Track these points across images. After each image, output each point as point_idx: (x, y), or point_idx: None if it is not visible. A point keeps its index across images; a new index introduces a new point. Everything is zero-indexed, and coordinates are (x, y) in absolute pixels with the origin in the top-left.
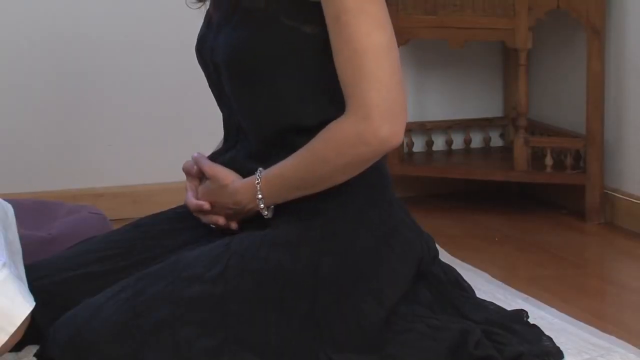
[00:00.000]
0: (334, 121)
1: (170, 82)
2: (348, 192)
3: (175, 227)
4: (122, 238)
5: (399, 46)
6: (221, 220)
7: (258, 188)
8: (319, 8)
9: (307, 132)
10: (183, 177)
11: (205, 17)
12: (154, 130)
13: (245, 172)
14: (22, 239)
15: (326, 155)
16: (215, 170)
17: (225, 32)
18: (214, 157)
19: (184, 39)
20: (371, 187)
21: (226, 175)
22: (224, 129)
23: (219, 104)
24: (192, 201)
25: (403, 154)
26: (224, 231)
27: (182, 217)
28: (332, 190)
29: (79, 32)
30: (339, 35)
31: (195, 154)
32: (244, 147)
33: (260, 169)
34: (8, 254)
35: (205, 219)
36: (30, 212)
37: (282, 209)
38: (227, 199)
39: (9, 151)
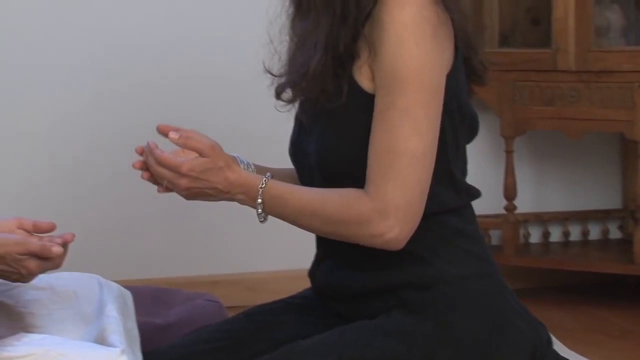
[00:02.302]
0: (358, 192)
1: None
2: (458, 283)
3: (286, 318)
4: (234, 328)
5: (516, 136)
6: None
7: (260, 193)
8: None
9: None
10: (298, 264)
11: (295, 121)
12: (269, 219)
13: (338, 283)
14: (140, 325)
15: (332, 215)
16: (213, 146)
17: (314, 135)
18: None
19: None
20: (480, 276)
21: (221, 155)
22: (316, 238)
23: None
24: (167, 156)
25: (519, 245)
26: (329, 324)
27: (294, 307)
28: (442, 280)
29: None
30: (381, 126)
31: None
32: (337, 253)
33: (269, 174)
34: (127, 342)
35: (160, 178)
36: (148, 299)
37: (390, 297)
38: (216, 179)
39: (128, 239)
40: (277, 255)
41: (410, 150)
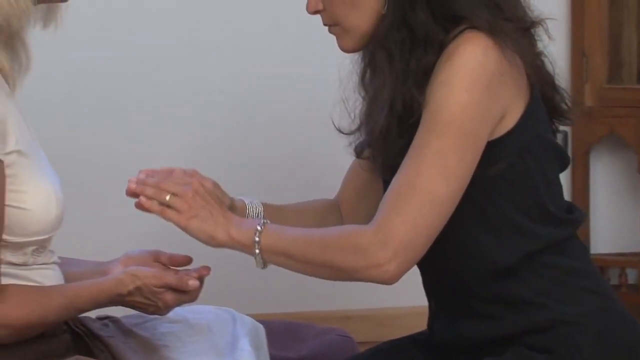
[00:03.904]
0: (361, 225)
1: None
2: (578, 321)
3: (414, 354)
4: None
5: None
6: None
7: (257, 233)
8: (498, 144)
9: (510, 272)
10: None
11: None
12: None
13: (457, 337)
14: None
15: (329, 243)
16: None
17: None
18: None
19: None
20: (600, 312)
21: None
22: (426, 293)
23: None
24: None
25: None
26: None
27: (422, 344)
28: (561, 321)
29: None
30: (410, 162)
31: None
32: (451, 306)
33: (267, 221)
34: None
35: None
36: (280, 333)
37: (512, 344)
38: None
39: (262, 273)
40: (408, 291)
41: (431, 191)
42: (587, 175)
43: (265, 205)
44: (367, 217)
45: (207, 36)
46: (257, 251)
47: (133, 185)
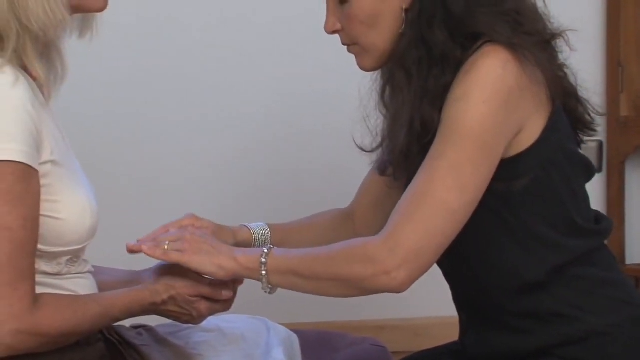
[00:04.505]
0: (367, 237)
1: None
2: (610, 332)
3: None
4: None
5: None
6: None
7: (264, 255)
8: (522, 158)
9: (539, 285)
10: None
11: None
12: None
13: (489, 350)
14: None
15: (335, 255)
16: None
17: None
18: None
19: None
20: (633, 321)
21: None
22: (456, 306)
23: (446, 276)
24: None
25: None
26: None
27: (455, 354)
28: (593, 332)
29: None
30: (425, 172)
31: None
32: (482, 318)
33: (272, 246)
34: None
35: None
36: (314, 342)
37: (545, 356)
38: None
39: None
40: (441, 301)
41: (445, 201)
42: (623, 185)
43: (271, 227)
44: (382, 228)
45: (239, 51)
46: (263, 272)
47: (131, 244)
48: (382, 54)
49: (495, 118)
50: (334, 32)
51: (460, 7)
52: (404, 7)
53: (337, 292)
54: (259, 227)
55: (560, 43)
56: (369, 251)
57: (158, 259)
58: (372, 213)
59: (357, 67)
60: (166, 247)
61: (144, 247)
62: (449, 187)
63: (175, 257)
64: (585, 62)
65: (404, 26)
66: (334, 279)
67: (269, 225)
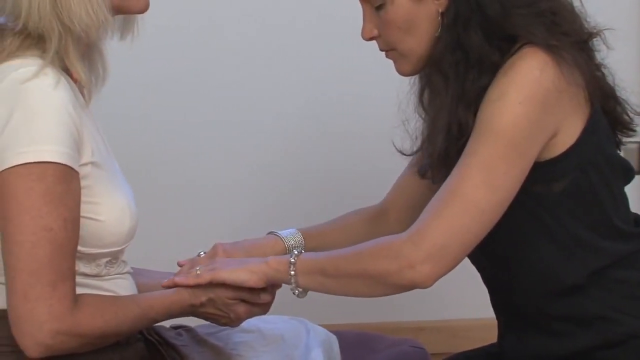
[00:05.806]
0: (394, 235)
1: None
2: None
3: None
4: None
5: None
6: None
7: (293, 256)
8: (561, 160)
9: (579, 289)
10: None
11: None
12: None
13: (528, 353)
14: None
15: (361, 251)
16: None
17: None
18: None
19: None
20: None
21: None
22: (494, 309)
23: (485, 280)
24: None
25: None
26: None
27: (494, 356)
28: (634, 335)
29: None
30: (457, 169)
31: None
32: (520, 321)
33: (302, 250)
34: None
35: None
36: (353, 344)
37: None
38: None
39: None
40: (480, 303)
41: (474, 199)
42: None
43: (304, 233)
44: None
45: (282, 54)
46: (292, 272)
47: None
48: (419, 58)
49: (530, 120)
50: (371, 39)
51: (495, 9)
52: (440, 10)
53: (364, 291)
54: (290, 235)
55: (597, 42)
56: (394, 246)
57: (193, 285)
58: (407, 214)
59: (395, 70)
60: (198, 272)
61: (177, 279)
62: (479, 186)
63: (208, 276)
64: (622, 61)
65: (440, 30)
66: (360, 276)
67: (301, 232)
